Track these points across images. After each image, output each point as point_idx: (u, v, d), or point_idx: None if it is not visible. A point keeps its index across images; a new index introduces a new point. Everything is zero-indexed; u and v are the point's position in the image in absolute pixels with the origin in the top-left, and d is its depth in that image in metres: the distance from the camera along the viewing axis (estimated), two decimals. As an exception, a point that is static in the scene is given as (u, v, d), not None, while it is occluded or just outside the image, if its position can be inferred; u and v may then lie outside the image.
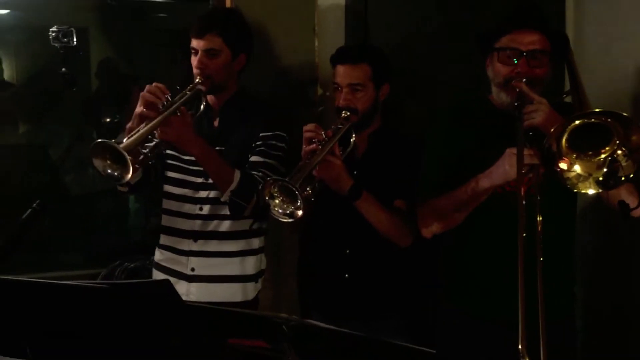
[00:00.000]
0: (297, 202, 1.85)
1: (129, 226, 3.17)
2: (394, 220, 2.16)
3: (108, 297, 1.33)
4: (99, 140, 1.90)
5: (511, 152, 1.81)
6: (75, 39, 2.56)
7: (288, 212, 1.89)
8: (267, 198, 1.88)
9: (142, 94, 2.02)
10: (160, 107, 2.00)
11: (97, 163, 1.91)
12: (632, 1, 2.42)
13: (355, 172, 2.18)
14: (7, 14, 2.73)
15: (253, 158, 2.20)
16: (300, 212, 1.85)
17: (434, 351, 1.21)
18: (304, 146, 2.04)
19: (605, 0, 2.56)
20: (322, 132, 2.04)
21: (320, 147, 2.00)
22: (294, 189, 1.83)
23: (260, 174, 2.14)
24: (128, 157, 1.85)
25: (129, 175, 1.89)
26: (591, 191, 1.70)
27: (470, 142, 2.02)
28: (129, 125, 2.03)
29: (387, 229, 2.16)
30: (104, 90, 3.03)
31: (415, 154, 2.21)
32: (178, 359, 1.33)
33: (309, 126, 2.06)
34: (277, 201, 1.89)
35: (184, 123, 2.04)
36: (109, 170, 1.92)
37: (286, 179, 1.86)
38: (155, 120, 1.97)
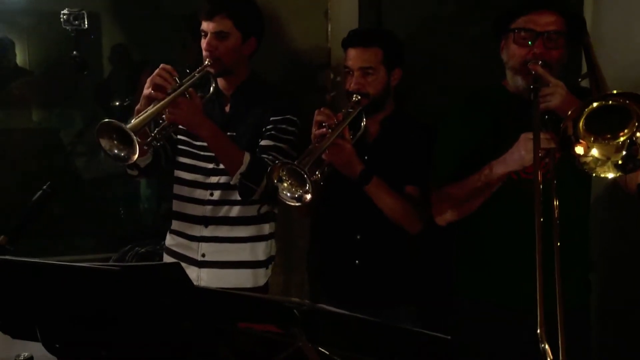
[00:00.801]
0: (306, 185, 1.82)
1: (141, 211, 3.16)
2: (404, 206, 2.14)
3: (119, 280, 1.32)
4: (106, 120, 1.88)
5: (527, 137, 1.77)
6: (86, 22, 2.54)
7: (296, 195, 1.86)
8: (275, 181, 1.86)
9: (150, 76, 2.00)
10: (169, 89, 1.99)
11: (104, 143, 1.90)
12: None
13: (366, 157, 2.16)
14: (20, -3, 2.72)
15: (263, 142, 2.19)
16: (308, 196, 1.83)
17: (449, 337, 1.19)
18: (313, 129, 2.02)
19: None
20: (333, 116, 2.02)
21: (330, 130, 1.98)
22: (302, 172, 1.81)
23: (270, 157, 2.12)
24: (135, 137, 1.84)
25: (136, 156, 1.87)
26: (610, 175, 1.67)
27: (484, 129, 1.99)
28: (137, 107, 2.01)
29: (397, 215, 2.14)
30: (115, 75, 3.02)
31: (427, 140, 2.19)
32: (189, 343, 1.32)
33: (320, 110, 2.04)
34: (285, 184, 1.87)
35: (193, 105, 2.02)
36: (116, 151, 1.91)
37: (294, 162, 1.84)
38: (163, 101, 1.96)
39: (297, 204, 1.87)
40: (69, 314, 1.39)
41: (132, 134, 1.84)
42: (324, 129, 1.99)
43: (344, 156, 2.03)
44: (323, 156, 1.97)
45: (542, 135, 1.73)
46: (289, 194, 1.87)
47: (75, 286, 1.34)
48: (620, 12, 2.54)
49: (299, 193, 1.86)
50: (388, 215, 2.14)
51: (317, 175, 1.92)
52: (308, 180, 1.81)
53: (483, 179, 1.88)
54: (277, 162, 1.88)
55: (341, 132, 2.00)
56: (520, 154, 1.79)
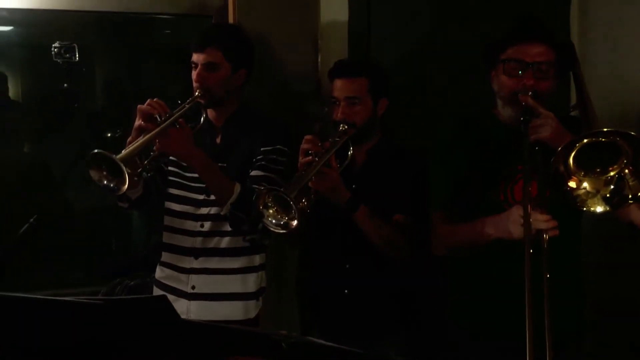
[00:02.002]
0: (292, 212, 1.82)
1: (131, 243, 3.15)
2: (392, 234, 2.14)
3: (104, 314, 1.30)
4: (95, 150, 1.89)
5: (518, 212, 1.72)
6: (77, 55, 2.56)
7: (282, 222, 1.86)
8: (261, 207, 1.85)
9: (139, 107, 2.01)
10: (159, 119, 1.99)
11: (94, 174, 1.90)
12: (637, 20, 2.41)
13: (353, 186, 2.16)
14: (11, 30, 2.73)
15: (253, 172, 2.19)
16: (294, 223, 1.83)
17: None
18: (300, 158, 2.02)
19: (611, 14, 2.56)
20: (319, 144, 2.02)
21: (316, 159, 1.98)
22: (288, 199, 1.80)
23: (261, 188, 2.11)
24: (124, 168, 1.84)
25: (125, 187, 1.87)
26: (599, 209, 1.65)
27: (476, 156, 1.99)
28: (129, 139, 2.02)
29: (385, 243, 2.14)
30: (108, 107, 3.03)
31: (414, 168, 2.21)
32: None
33: (306, 138, 2.04)
34: (271, 211, 1.86)
35: (183, 135, 2.02)
36: (105, 182, 1.91)
37: (281, 189, 1.83)
38: (153, 132, 1.97)
39: (282, 231, 1.87)
40: (53, 350, 1.36)
41: (122, 164, 1.84)
42: (311, 157, 2.00)
43: (330, 184, 2.03)
44: (310, 184, 1.97)
45: (539, 217, 1.68)
46: (274, 221, 1.87)
47: (59, 321, 1.31)
48: (608, 43, 2.57)
49: (284, 220, 1.86)
50: (376, 243, 2.13)
51: (304, 202, 1.92)
52: (294, 207, 1.80)
53: (476, 234, 1.86)
54: (263, 188, 1.88)
55: (328, 161, 2.01)
56: (509, 229, 1.74)
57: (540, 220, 1.68)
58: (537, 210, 1.69)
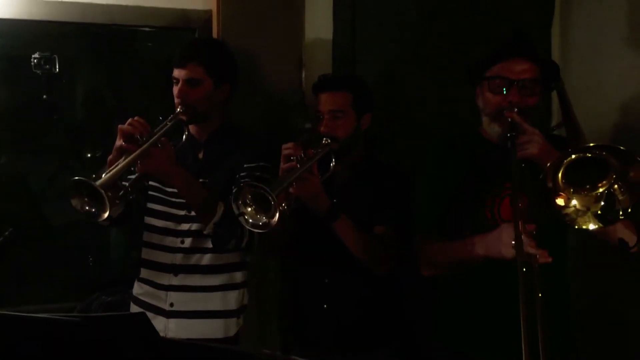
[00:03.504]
0: (271, 211, 1.79)
1: (109, 259, 3.09)
2: (372, 245, 2.12)
3: (80, 331, 1.25)
4: (75, 178, 1.86)
5: (509, 234, 1.69)
6: (57, 66, 2.52)
7: (260, 223, 1.83)
8: (239, 203, 1.83)
9: (120, 127, 1.98)
10: (140, 140, 1.96)
11: (75, 202, 1.88)
12: (618, 34, 2.44)
13: (334, 200, 2.15)
14: (-10, 41, 2.69)
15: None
16: (273, 221, 1.80)
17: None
18: (282, 164, 2.00)
19: (591, 34, 2.58)
20: (302, 152, 2.01)
21: (298, 165, 1.97)
22: (267, 194, 1.78)
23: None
24: (105, 195, 1.81)
25: (107, 213, 1.84)
26: (591, 226, 1.64)
27: (463, 175, 1.98)
28: (109, 158, 1.98)
29: (364, 254, 2.12)
30: (88, 121, 2.99)
31: (398, 184, 2.23)
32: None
33: (288, 144, 2.03)
34: (249, 209, 1.84)
35: (165, 154, 1.99)
36: (87, 208, 1.88)
37: (261, 185, 1.81)
38: (134, 154, 1.93)
39: (259, 231, 1.84)
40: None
41: (103, 191, 1.81)
42: (293, 163, 1.98)
43: (311, 189, 2.01)
44: (290, 189, 1.96)
45: (525, 240, 1.65)
46: (251, 220, 1.84)
47: (33, 338, 1.27)
48: (588, 63, 2.59)
49: (263, 220, 1.83)
50: (355, 254, 2.12)
51: (284, 206, 1.89)
52: (273, 205, 1.77)
53: (465, 253, 1.84)
54: (242, 182, 1.85)
55: (309, 167, 1.99)
56: (500, 250, 1.72)
57: (530, 246, 1.65)
58: (528, 237, 1.66)
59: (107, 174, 1.89)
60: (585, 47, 2.61)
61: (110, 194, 1.83)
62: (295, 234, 2.19)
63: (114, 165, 1.92)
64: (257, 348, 1.31)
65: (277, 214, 1.79)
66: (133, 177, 2.05)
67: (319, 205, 2.06)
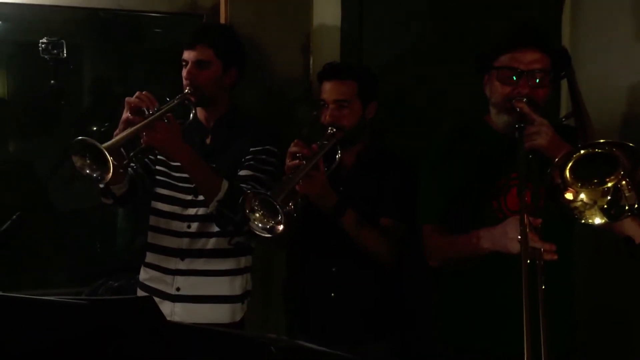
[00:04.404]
0: (278, 216, 1.79)
1: (116, 244, 3.10)
2: (378, 239, 2.12)
3: (87, 314, 1.26)
4: (80, 137, 1.83)
5: (514, 224, 1.68)
6: (65, 51, 2.51)
7: (268, 227, 1.83)
8: (247, 211, 1.82)
9: (127, 99, 1.98)
10: (147, 113, 1.95)
11: (77, 160, 1.85)
12: (629, 25, 2.42)
13: (341, 189, 2.14)
14: (-1, 26, 2.69)
15: (242, 172, 2.16)
16: (280, 227, 1.80)
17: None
18: (287, 161, 2.00)
19: (602, 25, 2.56)
20: (307, 147, 2.00)
21: (304, 162, 1.96)
22: (274, 203, 1.78)
23: (248, 187, 2.08)
24: (109, 156, 1.79)
25: (109, 176, 1.81)
26: (597, 220, 1.63)
27: (470, 165, 1.97)
28: (115, 131, 1.97)
29: (371, 248, 2.12)
30: (95, 107, 2.99)
31: (403, 173, 2.21)
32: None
33: (295, 141, 2.02)
34: (257, 215, 1.84)
35: (171, 129, 1.98)
36: (88, 170, 1.85)
37: (267, 193, 1.81)
38: (141, 124, 1.92)
39: (268, 235, 1.84)
40: (34, 351, 1.32)
41: (107, 152, 1.79)
42: (298, 161, 1.97)
43: (317, 188, 2.00)
44: (297, 188, 1.95)
45: (531, 235, 1.63)
46: (260, 225, 1.84)
47: (40, 321, 1.28)
48: (599, 53, 2.57)
49: (270, 224, 1.83)
50: (362, 248, 2.12)
51: (290, 206, 1.89)
52: (280, 212, 1.78)
53: (471, 247, 1.82)
54: (249, 191, 1.84)
55: (315, 164, 1.99)
56: (506, 245, 1.70)
57: (536, 241, 1.63)
58: (534, 233, 1.64)
59: (112, 138, 1.89)
60: (596, 38, 2.59)
61: (113, 160, 1.80)
62: (301, 226, 2.17)
63: (119, 134, 1.92)
64: (262, 332, 1.31)
65: (284, 218, 1.79)
66: (138, 148, 2.03)
67: (325, 203, 2.05)
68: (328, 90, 2.21)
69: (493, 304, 1.91)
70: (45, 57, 2.53)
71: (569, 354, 1.99)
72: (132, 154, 1.99)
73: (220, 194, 2.05)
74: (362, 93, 2.21)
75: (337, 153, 2.16)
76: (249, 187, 2.08)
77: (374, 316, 2.23)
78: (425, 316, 2.20)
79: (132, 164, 2.10)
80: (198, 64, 2.15)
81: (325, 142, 2.10)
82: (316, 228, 2.20)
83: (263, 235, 1.84)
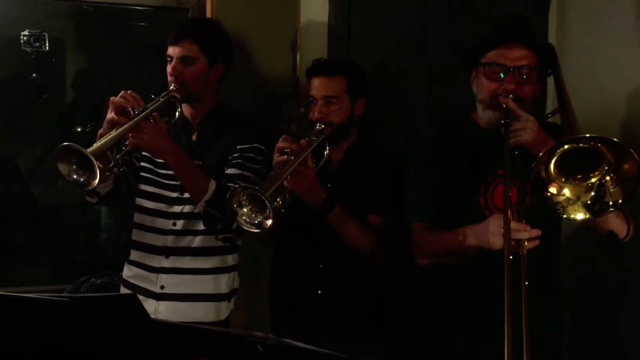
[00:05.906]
0: (266, 211, 1.77)
1: (99, 241, 3.07)
2: (367, 235, 2.11)
3: (69, 312, 1.23)
4: (65, 143, 1.79)
5: (498, 222, 1.67)
6: (47, 44, 2.48)
7: (256, 222, 1.81)
8: (235, 206, 1.81)
9: (112, 99, 1.94)
10: (132, 113, 1.92)
11: (62, 168, 1.81)
12: (616, 23, 2.43)
13: (329, 185, 2.13)
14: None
15: (229, 170, 2.13)
16: (269, 222, 1.78)
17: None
18: (275, 156, 1.98)
19: (588, 23, 2.57)
20: (295, 143, 1.98)
21: (292, 158, 1.95)
22: (263, 197, 1.76)
23: (236, 186, 2.06)
24: (95, 162, 1.76)
25: (96, 181, 1.79)
26: (580, 216, 1.63)
27: (457, 163, 1.97)
28: (100, 131, 1.94)
29: (359, 245, 2.11)
30: (78, 101, 2.95)
31: (391, 170, 2.21)
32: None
33: (282, 137, 2.00)
34: (245, 210, 1.82)
35: (157, 129, 1.95)
36: (75, 176, 1.82)
37: (256, 187, 1.79)
38: (126, 125, 1.89)
39: (256, 230, 1.82)
40: (15, 349, 1.30)
41: (93, 158, 1.76)
42: (286, 156, 1.96)
43: (306, 184, 1.99)
44: (285, 183, 1.93)
45: (513, 225, 1.62)
46: (248, 220, 1.82)
47: (20, 319, 1.25)
48: (586, 52, 2.58)
49: (258, 219, 1.81)
50: (350, 244, 2.11)
51: (278, 202, 1.88)
52: (269, 206, 1.76)
53: (457, 244, 1.82)
54: (237, 186, 1.82)
55: (304, 160, 1.97)
56: (489, 240, 1.69)
57: (520, 230, 1.63)
58: (516, 220, 1.65)
59: (97, 143, 1.86)
60: (583, 35, 2.59)
61: (100, 165, 1.77)
62: (288, 222, 2.16)
63: (105, 136, 1.89)
64: (249, 331, 1.29)
65: (273, 213, 1.77)
66: (123, 151, 2.01)
67: (313, 199, 2.03)
68: (317, 86, 2.20)
69: (481, 299, 1.91)
70: (27, 49, 2.50)
71: (557, 349, 1.99)
72: (118, 156, 1.97)
73: (208, 195, 2.03)
74: (351, 90, 2.21)
75: (325, 149, 2.14)
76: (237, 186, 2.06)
77: (362, 314, 2.22)
78: (413, 314, 2.19)
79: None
80: (183, 59, 2.12)
81: (314, 138, 2.09)
82: (303, 224, 2.18)
83: (251, 230, 1.82)
